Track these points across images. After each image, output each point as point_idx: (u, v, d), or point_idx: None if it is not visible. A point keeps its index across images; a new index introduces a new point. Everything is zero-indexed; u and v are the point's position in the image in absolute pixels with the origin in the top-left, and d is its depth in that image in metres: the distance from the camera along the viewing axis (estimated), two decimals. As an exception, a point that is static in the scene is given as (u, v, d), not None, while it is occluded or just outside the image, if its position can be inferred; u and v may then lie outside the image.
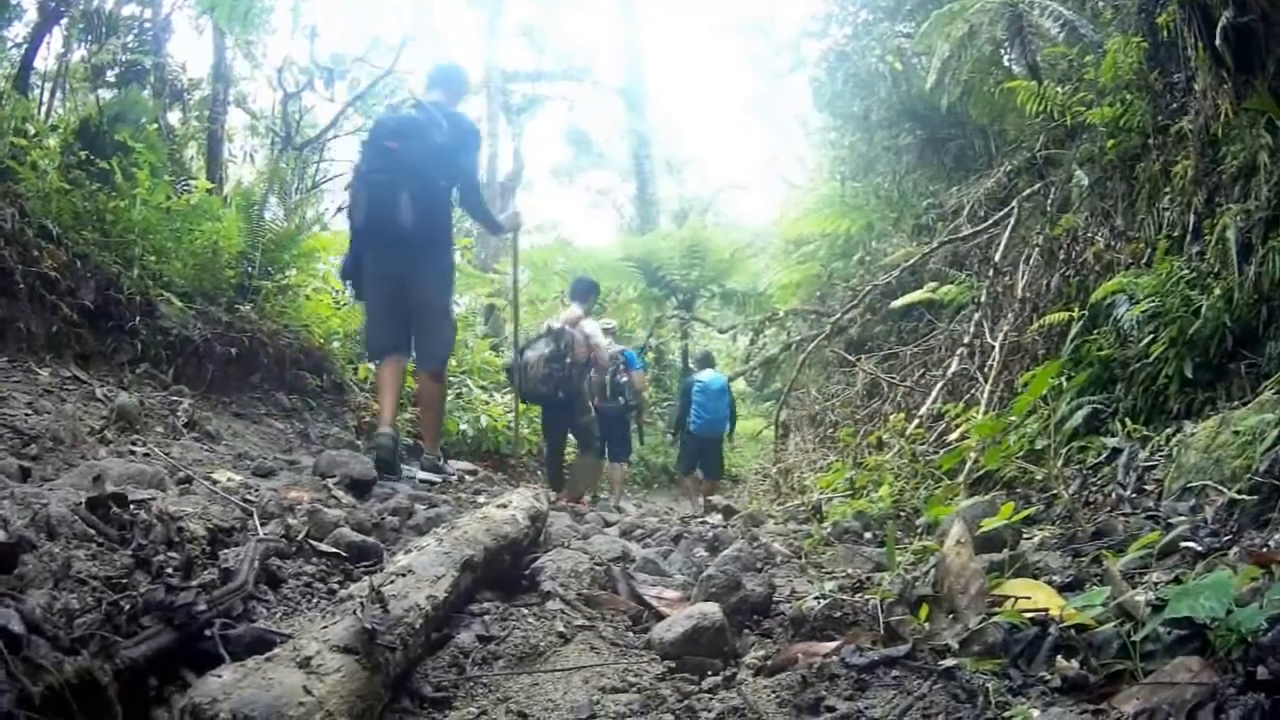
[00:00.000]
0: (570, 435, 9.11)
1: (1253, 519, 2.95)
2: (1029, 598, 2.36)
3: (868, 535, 4.75)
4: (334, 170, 23.28)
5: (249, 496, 3.86)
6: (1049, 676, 1.99)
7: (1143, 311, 5.12)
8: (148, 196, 7.98)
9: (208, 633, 2.06)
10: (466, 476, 7.66)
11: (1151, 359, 4.92)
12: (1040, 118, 8.65)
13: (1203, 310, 4.68)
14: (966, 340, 7.92)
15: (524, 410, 10.27)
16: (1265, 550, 2.50)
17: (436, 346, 6.19)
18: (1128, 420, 4.80)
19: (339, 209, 19.66)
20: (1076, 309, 5.97)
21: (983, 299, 8.10)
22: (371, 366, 8.51)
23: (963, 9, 10.30)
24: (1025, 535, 3.55)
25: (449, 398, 9.03)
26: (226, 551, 2.88)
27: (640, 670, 2.41)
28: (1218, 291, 4.68)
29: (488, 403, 11.89)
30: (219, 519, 3.24)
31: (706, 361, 12.45)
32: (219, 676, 1.65)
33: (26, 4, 11.75)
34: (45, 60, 11.76)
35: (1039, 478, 4.68)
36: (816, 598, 2.80)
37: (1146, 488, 3.94)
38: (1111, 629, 2.05)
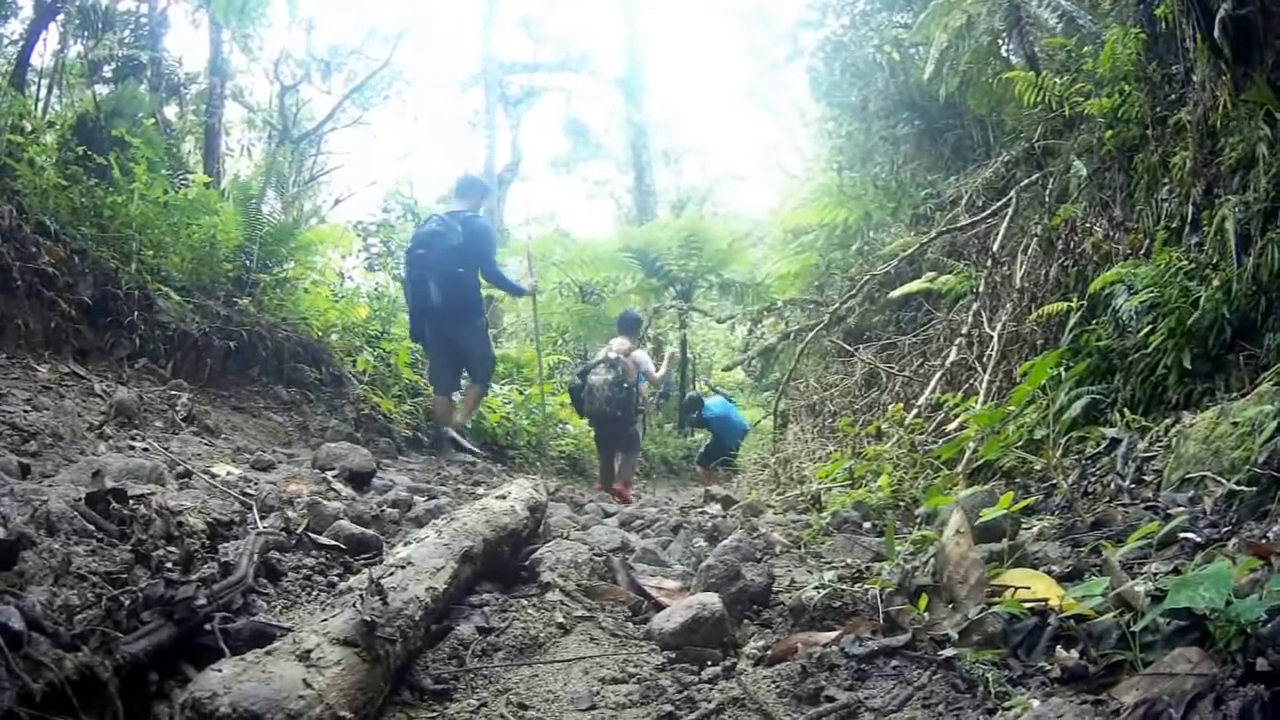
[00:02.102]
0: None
1: (1252, 510, 2.94)
2: (1028, 588, 2.37)
3: (867, 525, 4.75)
4: (331, 163, 23.35)
5: (248, 490, 3.86)
6: (1048, 667, 2.00)
7: (1141, 302, 5.11)
8: (145, 191, 7.98)
9: (208, 627, 2.06)
10: (470, 468, 7.71)
11: (1150, 349, 4.92)
12: (1038, 108, 8.62)
13: (1201, 301, 4.66)
14: (965, 330, 7.90)
15: (522, 401, 10.83)
16: (1264, 542, 2.50)
17: (480, 373, 8.83)
18: (1126, 411, 4.79)
19: (337, 201, 19.71)
20: (1075, 299, 5.95)
21: (981, 289, 8.08)
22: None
23: (960, -1, 10.28)
24: (1024, 525, 3.55)
25: None
26: (226, 545, 2.88)
27: (640, 661, 2.42)
28: (1216, 283, 4.67)
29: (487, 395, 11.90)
30: (218, 513, 3.24)
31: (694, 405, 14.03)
32: (219, 670, 1.66)
33: (22, 1, 11.75)
34: (42, 57, 11.75)
35: (1038, 468, 4.67)
36: (816, 588, 2.80)
37: (1145, 478, 3.93)
38: (1111, 619, 2.05)
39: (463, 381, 9.22)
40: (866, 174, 14.53)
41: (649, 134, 33.74)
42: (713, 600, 2.62)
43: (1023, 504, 3.21)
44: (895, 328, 11.02)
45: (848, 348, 10.98)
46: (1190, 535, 2.78)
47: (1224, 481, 3.16)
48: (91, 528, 2.55)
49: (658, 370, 11.28)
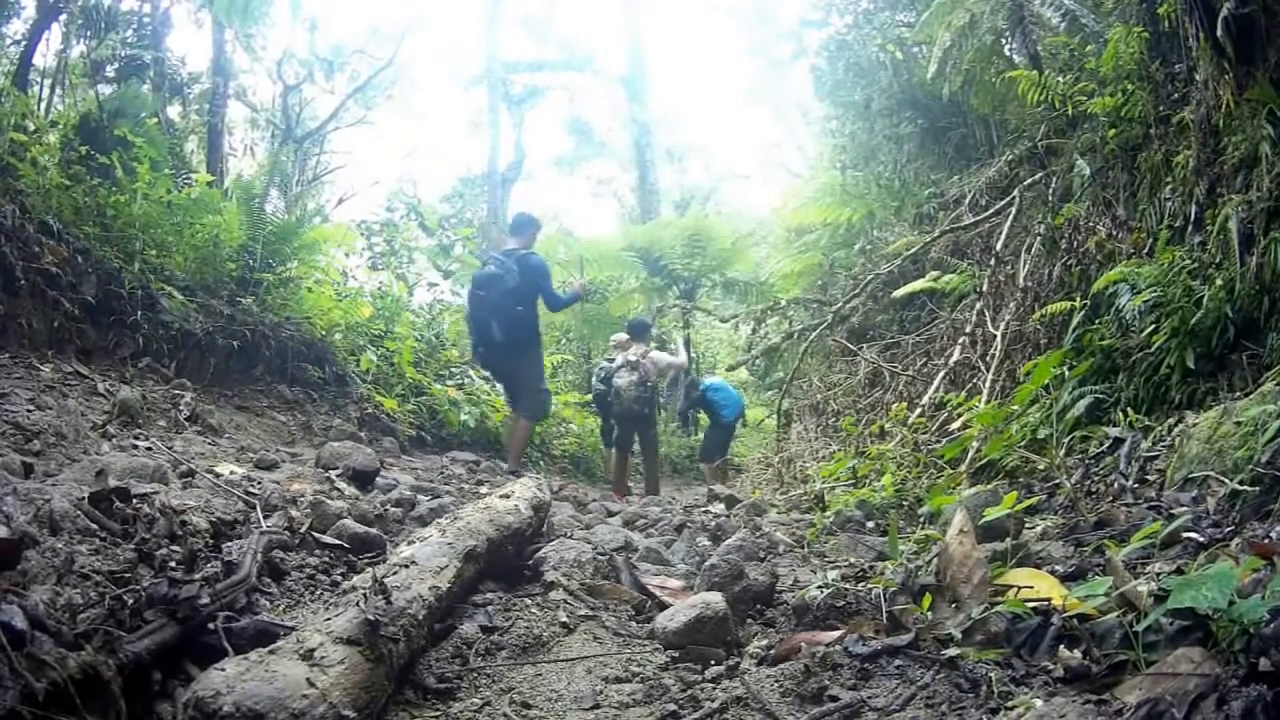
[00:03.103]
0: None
1: (1255, 510, 2.94)
2: (1032, 587, 2.36)
3: (870, 525, 4.75)
4: (334, 162, 23.38)
5: (252, 489, 3.86)
6: (1052, 666, 2.00)
7: (1144, 301, 5.10)
8: (148, 191, 7.98)
9: (211, 626, 2.07)
10: (473, 467, 7.72)
11: (1153, 349, 4.91)
12: (1041, 107, 8.63)
13: (1204, 301, 4.66)
14: (968, 329, 7.90)
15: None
16: (1267, 541, 2.50)
17: (529, 405, 9.07)
18: (1130, 410, 4.78)
19: (340, 200, 19.76)
20: (1078, 298, 5.94)
21: (984, 288, 8.07)
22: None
23: (963, -2, 10.29)
24: (1027, 525, 3.55)
25: (455, 390, 11.17)
26: (229, 544, 2.88)
27: (643, 660, 2.42)
28: (1219, 282, 4.66)
29: (490, 393, 11.93)
30: (222, 512, 3.25)
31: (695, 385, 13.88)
32: (222, 670, 1.66)
33: (25, 1, 11.77)
34: (44, 57, 11.76)
35: (1041, 467, 4.67)
36: (819, 587, 2.80)
37: (1149, 478, 3.93)
38: (1114, 619, 2.05)
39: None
40: (870, 173, 14.54)
41: (652, 132, 33.65)
42: (716, 599, 2.62)
43: (1026, 503, 3.21)
44: (899, 327, 11.04)
45: (851, 347, 10.99)
46: (1193, 535, 2.78)
47: (1227, 481, 3.16)
48: (95, 527, 2.55)
49: (677, 357, 12.17)
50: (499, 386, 11.34)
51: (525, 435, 9.49)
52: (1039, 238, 7.58)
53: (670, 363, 11.30)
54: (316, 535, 3.32)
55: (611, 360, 11.01)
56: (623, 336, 11.30)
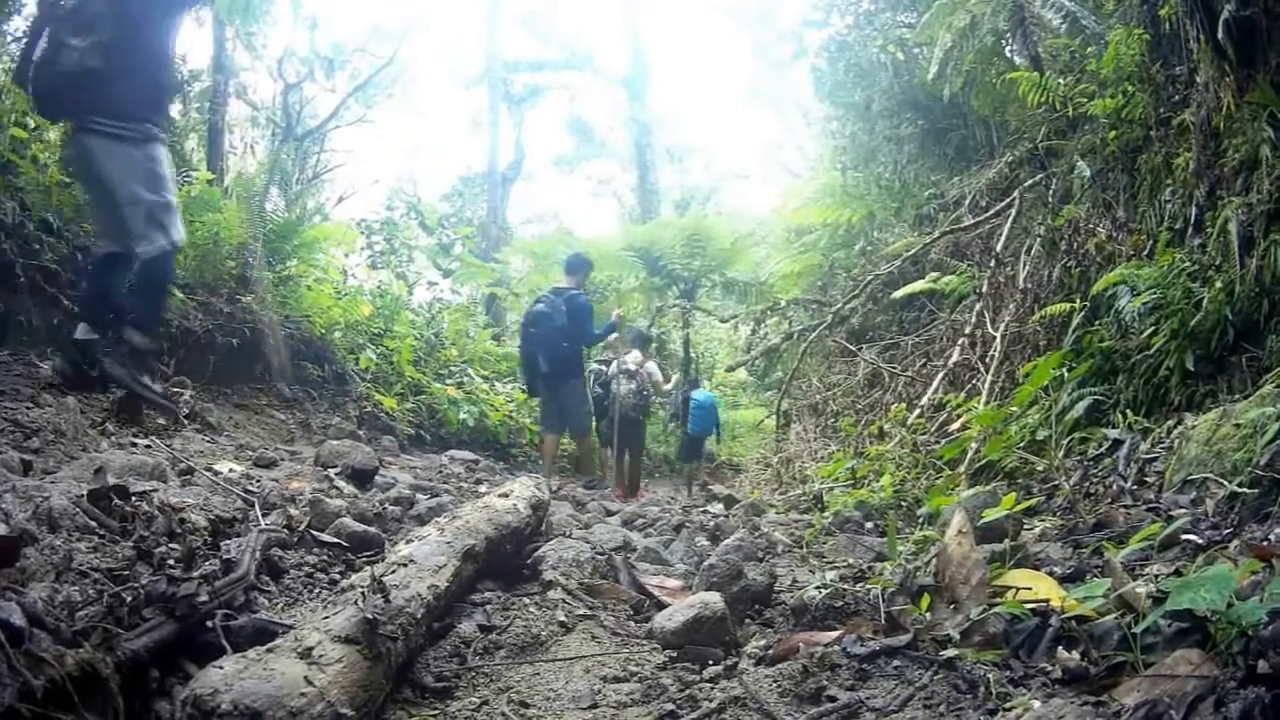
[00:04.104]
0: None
1: (1253, 512, 2.94)
2: (1030, 589, 2.36)
3: (869, 525, 4.75)
4: (335, 161, 23.37)
5: (250, 487, 3.86)
6: (1050, 668, 2.00)
7: (1144, 303, 5.11)
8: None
9: (209, 624, 2.06)
10: (472, 466, 7.71)
11: (1153, 351, 4.92)
12: (1042, 109, 8.64)
13: (1204, 303, 4.67)
14: (968, 330, 7.90)
15: (525, 400, 11.22)
16: (1266, 544, 2.50)
17: (577, 425, 10.26)
18: (1129, 412, 4.79)
19: (340, 199, 19.75)
20: (1078, 300, 5.95)
21: (984, 289, 8.07)
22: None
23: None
24: (1026, 526, 3.55)
25: (454, 388, 11.41)
26: (228, 542, 2.88)
27: (642, 659, 2.42)
28: (1219, 284, 4.67)
29: (489, 392, 11.94)
30: (220, 510, 3.24)
31: (695, 384, 15.35)
32: (220, 668, 1.65)
33: (26, -2, 11.72)
34: (46, 52, 11.71)
35: (1040, 468, 4.67)
36: (818, 587, 2.80)
37: (1147, 480, 3.93)
38: (1112, 620, 2.05)
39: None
40: (870, 174, 14.53)
41: (652, 132, 33.68)
42: (715, 599, 2.62)
43: (1025, 505, 3.21)
44: (898, 328, 11.04)
45: (851, 348, 10.99)
46: (1192, 537, 2.78)
47: (1226, 483, 3.16)
48: (93, 524, 2.55)
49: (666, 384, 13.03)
50: (509, 396, 12.18)
51: (588, 450, 10.80)
52: (1039, 239, 7.58)
53: (657, 383, 12.09)
54: (315, 533, 3.32)
55: (604, 362, 11.54)
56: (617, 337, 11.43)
